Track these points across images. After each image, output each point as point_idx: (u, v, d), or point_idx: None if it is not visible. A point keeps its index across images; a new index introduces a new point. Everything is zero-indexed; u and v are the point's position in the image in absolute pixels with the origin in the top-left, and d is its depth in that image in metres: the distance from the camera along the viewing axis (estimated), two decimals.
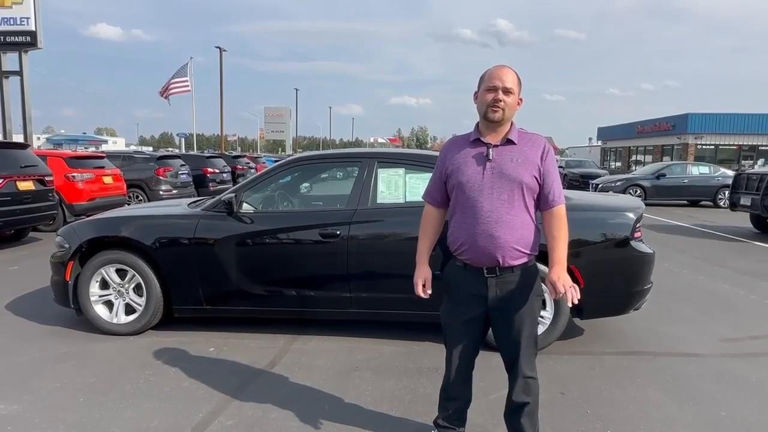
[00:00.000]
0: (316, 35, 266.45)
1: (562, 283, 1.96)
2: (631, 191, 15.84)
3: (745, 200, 10.02)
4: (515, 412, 2.22)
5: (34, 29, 14.78)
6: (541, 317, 3.58)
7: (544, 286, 2.27)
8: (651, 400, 3.06)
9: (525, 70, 2.13)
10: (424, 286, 2.25)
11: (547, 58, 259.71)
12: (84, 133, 77.41)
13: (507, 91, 2.04)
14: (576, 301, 1.96)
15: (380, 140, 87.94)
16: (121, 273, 3.97)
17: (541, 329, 3.57)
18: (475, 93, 2.14)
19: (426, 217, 2.33)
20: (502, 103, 2.03)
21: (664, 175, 16.51)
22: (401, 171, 3.88)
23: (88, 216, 5.29)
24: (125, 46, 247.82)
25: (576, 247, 3.49)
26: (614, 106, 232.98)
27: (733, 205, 10.50)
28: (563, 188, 2.25)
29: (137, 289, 3.96)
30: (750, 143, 30.00)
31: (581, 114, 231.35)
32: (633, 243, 3.67)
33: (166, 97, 30.33)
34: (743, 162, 29.01)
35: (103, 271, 3.95)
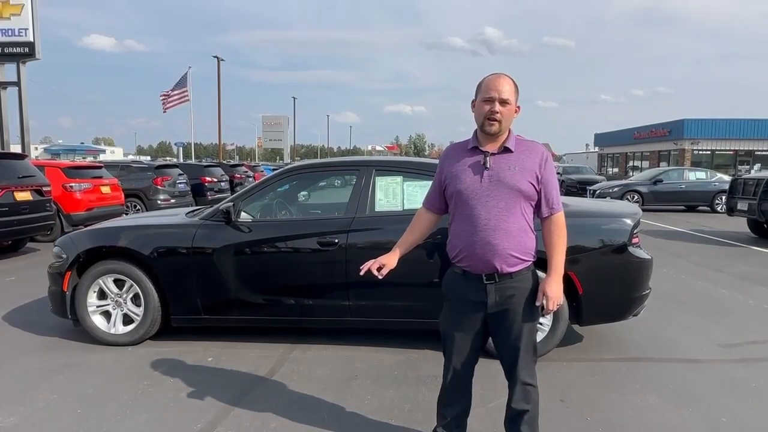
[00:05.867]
0: (312, 45, 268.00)
1: (554, 302, 2.09)
2: (628, 197, 15.89)
3: (742, 205, 10.05)
4: (515, 419, 2.22)
5: (32, 40, 14.85)
6: (540, 324, 3.57)
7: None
8: (651, 407, 3.06)
9: (517, 77, 2.15)
10: (379, 269, 2.26)
11: (539, 66, 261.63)
12: (82, 143, 77.37)
13: (504, 102, 2.05)
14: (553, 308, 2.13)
15: (378, 148, 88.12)
16: (118, 283, 3.96)
17: (540, 336, 3.56)
18: (473, 101, 2.16)
19: (417, 217, 2.38)
20: (498, 115, 2.05)
21: (661, 181, 16.57)
22: (399, 179, 3.89)
23: (85, 226, 5.28)
24: (122, 57, 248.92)
25: (574, 254, 3.50)
26: (607, 113, 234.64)
27: (731, 210, 10.53)
28: (561, 194, 2.27)
29: (135, 299, 3.95)
30: (746, 148, 30.16)
31: (575, 120, 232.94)
32: (631, 249, 3.68)
33: (167, 108, 30.50)
34: (740, 167, 29.14)
35: (100, 281, 3.94)
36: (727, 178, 15.72)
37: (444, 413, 2.35)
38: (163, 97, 30.46)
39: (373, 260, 2.29)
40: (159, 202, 12.31)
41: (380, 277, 2.26)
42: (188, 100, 31.17)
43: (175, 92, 30.49)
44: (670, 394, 3.22)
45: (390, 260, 2.29)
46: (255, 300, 3.84)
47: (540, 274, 2.20)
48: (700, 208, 16.54)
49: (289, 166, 4.51)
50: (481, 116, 2.08)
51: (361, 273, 2.28)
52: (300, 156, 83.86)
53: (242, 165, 22.00)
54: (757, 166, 28.63)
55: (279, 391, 3.25)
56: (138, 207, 12.30)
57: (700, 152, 30.31)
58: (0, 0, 14.71)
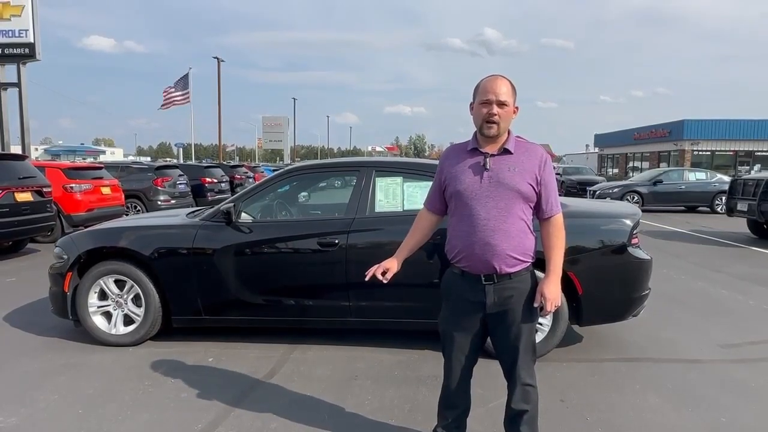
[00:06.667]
0: (312, 46, 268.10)
1: (551, 303, 2.10)
2: (628, 198, 15.89)
3: (741, 206, 10.05)
4: (514, 419, 2.23)
5: (32, 41, 14.89)
6: (540, 324, 3.58)
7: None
8: (651, 407, 3.06)
9: (516, 77, 2.16)
10: (384, 274, 2.25)
11: (538, 67, 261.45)
12: (82, 144, 77.55)
13: (501, 104, 2.06)
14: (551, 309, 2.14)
15: (378, 149, 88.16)
16: (119, 284, 3.96)
17: (540, 336, 3.57)
18: (471, 104, 2.17)
19: (419, 218, 2.38)
20: (496, 117, 2.05)
21: (661, 182, 16.57)
22: (399, 179, 3.90)
23: (86, 227, 5.29)
24: (121, 57, 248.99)
25: (574, 254, 3.51)
26: (607, 113, 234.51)
27: (730, 211, 10.53)
28: (561, 195, 2.28)
29: (136, 300, 3.95)
30: (746, 149, 30.16)
31: (575, 121, 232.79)
32: (630, 249, 3.69)
33: (166, 107, 30.89)
34: (740, 168, 29.15)
35: (101, 281, 3.95)
36: (726, 178, 15.71)
37: (445, 414, 2.35)
38: (165, 94, 30.85)
39: (377, 265, 2.28)
40: (159, 202, 12.31)
41: (385, 281, 2.26)
42: (189, 101, 31.35)
43: (177, 92, 30.84)
44: (670, 395, 3.22)
45: (394, 264, 2.29)
46: (255, 300, 3.84)
47: (539, 274, 2.20)
48: (700, 208, 16.54)
49: (290, 166, 4.52)
50: (479, 119, 2.09)
51: (367, 279, 2.27)
52: (300, 157, 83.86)
53: (242, 166, 22.03)
54: (756, 167, 28.64)
55: (279, 391, 3.26)
56: (138, 208, 12.31)
57: (700, 153, 30.32)
58: (1, 1, 14.74)
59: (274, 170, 18.23)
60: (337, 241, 3.69)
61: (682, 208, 16.71)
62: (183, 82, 31.10)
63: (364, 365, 3.65)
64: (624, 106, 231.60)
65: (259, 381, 3.40)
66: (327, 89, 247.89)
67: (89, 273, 3.95)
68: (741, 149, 30.24)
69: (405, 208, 3.80)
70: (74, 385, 3.31)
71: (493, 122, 2.05)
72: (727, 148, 30.34)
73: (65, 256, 4.00)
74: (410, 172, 3.97)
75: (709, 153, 30.40)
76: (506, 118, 2.08)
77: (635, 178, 20.32)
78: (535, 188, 2.10)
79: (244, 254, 3.82)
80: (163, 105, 31.01)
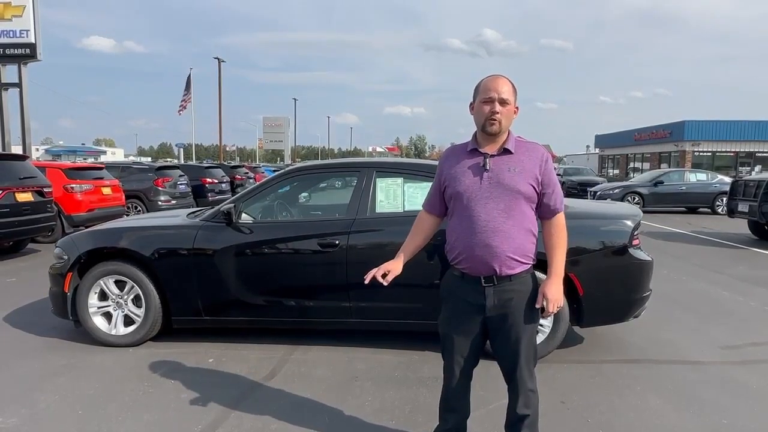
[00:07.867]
0: (312, 46, 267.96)
1: (554, 304, 2.08)
2: (629, 199, 15.88)
3: (742, 207, 10.05)
4: (516, 424, 2.21)
5: (33, 41, 14.92)
6: (541, 326, 3.58)
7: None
8: (652, 408, 3.05)
9: (516, 78, 2.15)
10: (384, 276, 2.21)
11: (538, 67, 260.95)
12: (83, 144, 77.65)
13: (503, 102, 2.05)
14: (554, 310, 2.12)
15: (378, 149, 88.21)
16: (119, 284, 3.96)
17: (540, 338, 3.57)
18: (471, 104, 2.15)
19: (419, 221, 2.35)
20: (498, 115, 2.04)
21: (661, 183, 16.56)
22: (400, 180, 3.90)
23: (86, 227, 5.29)
24: (122, 58, 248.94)
25: (574, 255, 3.50)
26: (607, 114, 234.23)
27: (731, 212, 10.53)
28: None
29: (136, 301, 3.95)
30: (747, 150, 30.15)
31: (575, 122, 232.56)
32: (631, 250, 3.68)
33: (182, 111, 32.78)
34: (740, 169, 29.14)
35: (101, 282, 3.94)
36: (727, 179, 15.71)
37: (446, 417, 2.34)
38: (182, 104, 32.74)
39: (377, 267, 2.24)
40: (160, 203, 12.32)
41: (385, 283, 2.22)
42: (189, 102, 31.90)
43: (185, 96, 32.52)
44: (671, 396, 3.22)
45: (395, 266, 2.25)
46: (256, 301, 3.84)
47: (540, 275, 2.19)
48: (701, 209, 16.53)
49: (290, 167, 4.52)
50: (481, 117, 2.08)
51: (366, 281, 2.23)
52: (300, 157, 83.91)
53: (243, 166, 22.06)
54: (757, 168, 28.64)
55: (279, 392, 3.26)
56: (139, 208, 12.32)
57: (701, 154, 30.32)
58: (2, 2, 14.77)
59: (274, 171, 18.24)
60: (337, 242, 3.69)
61: (683, 209, 16.70)
62: (187, 85, 32.25)
63: (364, 366, 3.64)
64: (624, 107, 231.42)
65: (259, 382, 3.40)
66: (327, 90, 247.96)
67: (89, 273, 3.95)
68: (742, 150, 30.23)
69: (405, 209, 3.80)
70: (74, 386, 3.31)
71: (496, 119, 2.04)
72: (727, 149, 30.34)
73: (65, 257, 4.00)
74: (411, 172, 3.97)
75: (709, 154, 30.40)
76: (508, 116, 2.07)
77: (636, 179, 20.31)
78: (536, 188, 2.08)
79: (244, 255, 3.82)
80: (180, 110, 32.80)
